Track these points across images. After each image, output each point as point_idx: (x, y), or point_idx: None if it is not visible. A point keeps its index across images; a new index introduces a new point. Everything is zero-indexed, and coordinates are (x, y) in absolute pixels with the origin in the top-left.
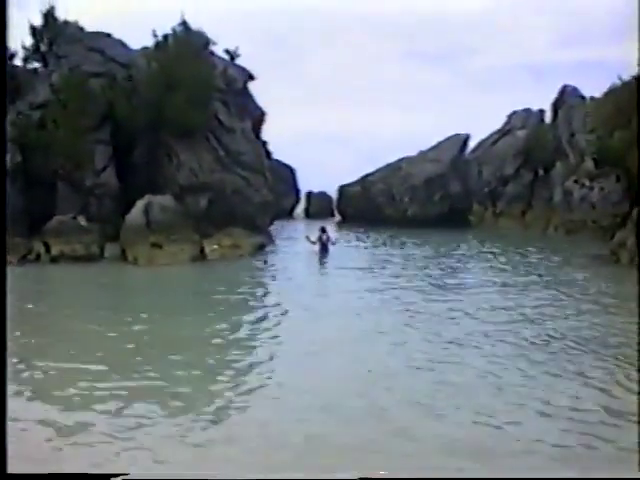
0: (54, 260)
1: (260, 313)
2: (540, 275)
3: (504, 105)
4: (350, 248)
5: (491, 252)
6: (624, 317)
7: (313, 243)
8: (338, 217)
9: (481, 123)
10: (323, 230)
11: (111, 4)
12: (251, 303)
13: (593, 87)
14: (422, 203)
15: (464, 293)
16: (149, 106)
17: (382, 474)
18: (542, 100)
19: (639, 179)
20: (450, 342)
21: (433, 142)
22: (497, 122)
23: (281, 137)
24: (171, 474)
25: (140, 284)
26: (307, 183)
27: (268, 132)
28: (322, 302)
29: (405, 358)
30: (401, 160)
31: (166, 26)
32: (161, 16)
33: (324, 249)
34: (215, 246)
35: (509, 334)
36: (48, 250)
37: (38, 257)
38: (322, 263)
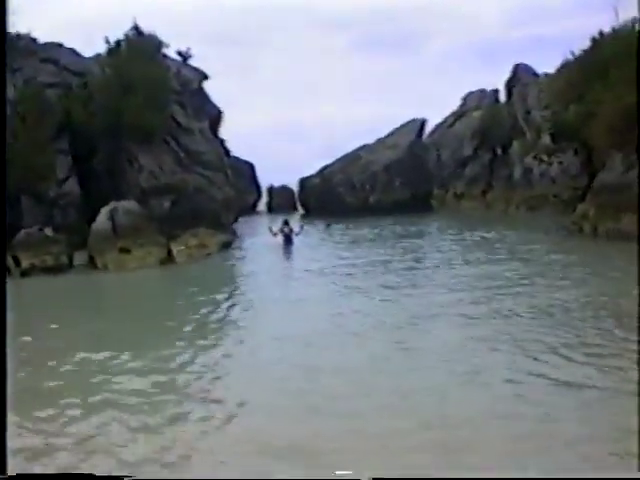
0: (25, 273)
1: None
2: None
3: (459, 88)
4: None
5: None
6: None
7: (275, 235)
8: (301, 210)
9: (437, 107)
10: (286, 223)
11: (63, 14)
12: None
13: (546, 64)
14: (383, 190)
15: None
16: (106, 112)
17: (382, 474)
18: (497, 80)
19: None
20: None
21: (389, 130)
22: (453, 105)
23: (239, 134)
24: (171, 474)
25: (111, 291)
26: (268, 178)
27: (225, 130)
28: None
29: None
30: (360, 149)
31: (119, 32)
32: (114, 22)
33: (288, 241)
34: (182, 247)
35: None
36: (18, 264)
37: (8, 271)
38: (287, 254)
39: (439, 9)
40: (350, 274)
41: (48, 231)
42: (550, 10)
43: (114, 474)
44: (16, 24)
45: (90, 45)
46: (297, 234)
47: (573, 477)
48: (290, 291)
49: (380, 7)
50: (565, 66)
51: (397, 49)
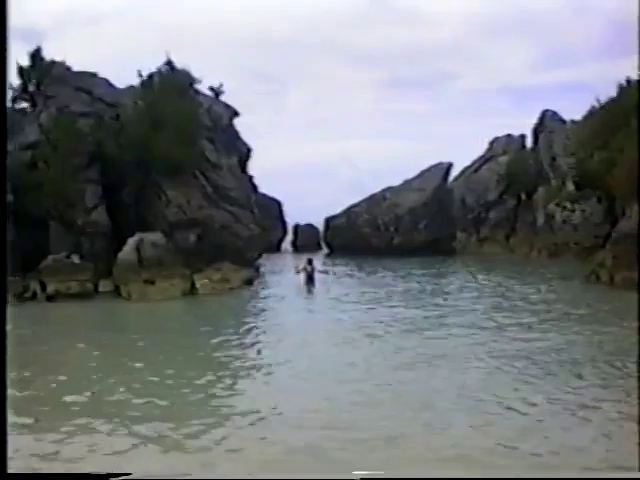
0: (50, 298)
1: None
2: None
3: (485, 129)
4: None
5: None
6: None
7: (298, 272)
8: (325, 249)
9: (463, 149)
10: (309, 262)
11: (97, 44)
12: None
13: (575, 109)
14: (407, 232)
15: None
16: (136, 145)
17: (381, 474)
18: (523, 123)
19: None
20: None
21: (416, 170)
22: (479, 147)
23: (267, 170)
24: (171, 474)
25: (134, 321)
26: (294, 216)
27: (253, 166)
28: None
29: None
30: (385, 190)
31: (152, 65)
32: (147, 55)
33: (310, 279)
34: (205, 280)
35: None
36: (44, 288)
37: (34, 295)
38: (309, 291)
39: (469, 50)
40: None
41: (75, 258)
42: (581, 55)
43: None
44: (51, 51)
45: (123, 76)
46: (326, 272)
47: (573, 477)
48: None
49: (410, 46)
50: (592, 113)
51: (424, 88)
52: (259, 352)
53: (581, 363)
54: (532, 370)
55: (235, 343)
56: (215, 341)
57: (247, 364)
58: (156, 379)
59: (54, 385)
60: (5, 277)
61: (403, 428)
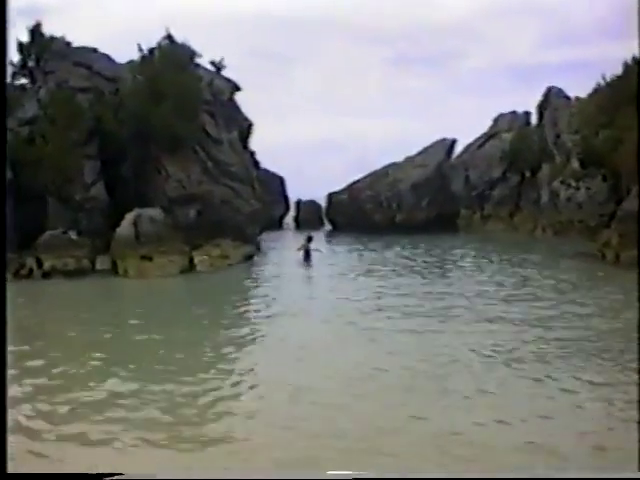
0: (46, 275)
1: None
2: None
3: (491, 108)
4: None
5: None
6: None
7: (299, 250)
8: (328, 225)
9: (468, 126)
10: (309, 239)
11: (98, 19)
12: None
13: (579, 87)
14: (410, 209)
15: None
16: (136, 119)
17: (382, 474)
18: (529, 102)
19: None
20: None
21: (420, 148)
22: (484, 125)
23: (269, 146)
24: (171, 474)
25: (127, 299)
26: (297, 191)
27: (255, 142)
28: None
29: None
30: (388, 166)
31: (152, 39)
32: (148, 29)
33: (307, 256)
34: (204, 257)
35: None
36: (40, 265)
37: (31, 272)
38: (306, 267)
39: (475, 30)
40: None
41: (72, 234)
42: (585, 34)
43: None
44: (51, 26)
45: (125, 53)
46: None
47: (573, 477)
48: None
49: (416, 25)
50: (597, 91)
51: (432, 67)
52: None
53: None
54: None
55: (228, 322)
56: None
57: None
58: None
59: None
60: (4, 276)
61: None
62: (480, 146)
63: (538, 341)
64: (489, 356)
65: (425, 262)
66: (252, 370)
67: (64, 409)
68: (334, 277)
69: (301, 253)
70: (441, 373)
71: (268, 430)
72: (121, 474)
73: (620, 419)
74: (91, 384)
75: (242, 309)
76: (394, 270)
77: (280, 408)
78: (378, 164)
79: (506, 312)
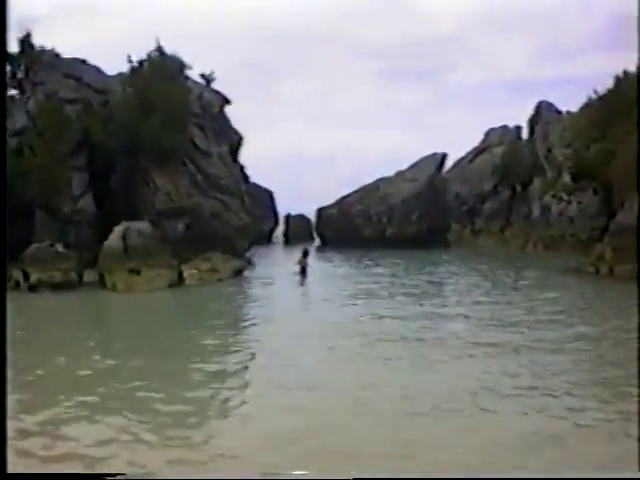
0: (33, 288)
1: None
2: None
3: (482, 122)
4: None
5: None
6: None
7: (297, 264)
8: (317, 240)
9: (460, 140)
10: (305, 254)
11: (88, 31)
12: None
13: (570, 102)
14: (400, 223)
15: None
16: (125, 131)
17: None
18: (519, 116)
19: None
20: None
21: (413, 161)
22: (475, 139)
23: (258, 161)
24: (171, 474)
25: (119, 315)
26: (286, 206)
27: (245, 156)
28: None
29: None
30: (378, 180)
31: (142, 51)
32: (137, 41)
33: (303, 270)
34: (194, 271)
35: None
36: (27, 278)
37: (17, 285)
38: (301, 282)
39: (466, 43)
40: None
41: (59, 247)
42: (576, 49)
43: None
44: (40, 38)
45: (114, 65)
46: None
47: (573, 477)
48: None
49: (409, 38)
50: (588, 105)
51: (424, 80)
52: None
53: None
54: None
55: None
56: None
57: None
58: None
59: None
60: (5, 278)
61: None
62: (471, 160)
63: None
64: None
65: (416, 282)
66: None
67: None
68: (325, 299)
69: (297, 267)
70: None
71: None
72: (122, 474)
73: None
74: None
75: (230, 333)
76: (383, 291)
77: None
78: (369, 178)
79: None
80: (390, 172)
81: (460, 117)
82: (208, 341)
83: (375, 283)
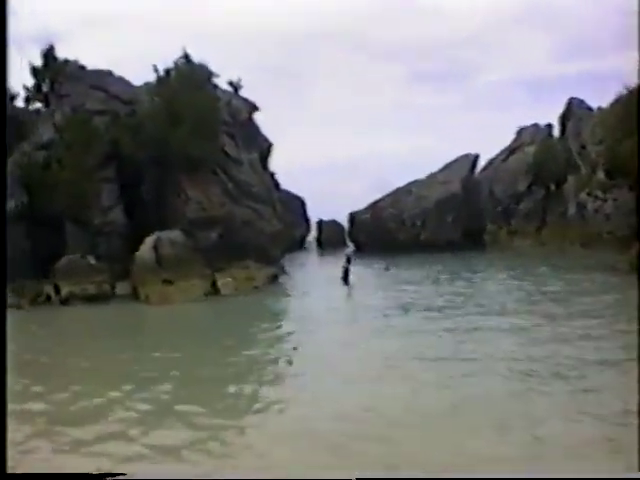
0: (65, 301)
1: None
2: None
3: (509, 122)
4: None
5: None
6: None
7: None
8: (350, 245)
9: (486, 141)
10: (348, 260)
11: (108, 43)
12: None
13: (601, 98)
14: (434, 226)
15: None
16: (154, 141)
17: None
18: (548, 114)
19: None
20: None
21: (441, 163)
22: (502, 139)
23: (288, 167)
24: (170, 474)
25: (158, 326)
26: (317, 212)
27: (275, 163)
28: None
29: None
30: (411, 184)
31: (168, 60)
32: (163, 51)
33: (346, 276)
34: (228, 279)
35: None
36: (58, 291)
37: (49, 299)
38: (346, 285)
39: (491, 42)
40: None
41: (91, 259)
42: (603, 44)
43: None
44: (62, 52)
45: (139, 76)
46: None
47: (573, 477)
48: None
49: (432, 39)
50: (618, 100)
51: (448, 82)
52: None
53: None
54: None
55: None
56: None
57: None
58: None
59: None
60: (5, 281)
61: None
62: (504, 160)
63: None
64: None
65: (459, 290)
66: None
67: None
68: (368, 307)
69: (340, 271)
70: None
71: None
72: (123, 474)
73: None
74: None
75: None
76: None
77: None
78: (398, 182)
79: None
80: (419, 175)
81: (486, 117)
82: (253, 351)
83: (415, 293)
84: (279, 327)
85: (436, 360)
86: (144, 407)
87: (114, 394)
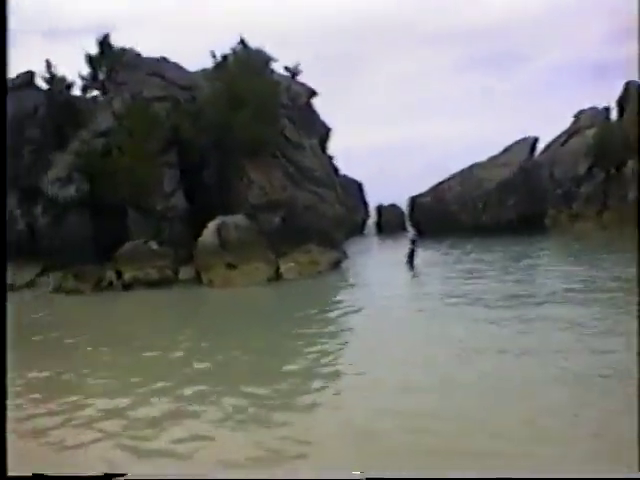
0: (128, 286)
1: None
2: None
3: (570, 104)
4: None
5: None
6: None
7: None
8: (410, 229)
9: (546, 124)
10: (413, 242)
11: (168, 35)
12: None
13: None
14: (496, 209)
15: None
16: (215, 126)
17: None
18: (604, 97)
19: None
20: None
21: (500, 148)
22: (563, 122)
23: (345, 151)
24: (170, 474)
25: (228, 310)
26: (374, 197)
27: (333, 148)
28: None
29: None
30: (472, 166)
31: (225, 48)
32: (220, 42)
33: (411, 259)
34: (291, 264)
35: None
36: (120, 276)
37: (111, 284)
38: (410, 269)
39: (547, 25)
40: None
41: (153, 244)
42: None
43: None
44: (119, 40)
45: (194, 62)
46: None
47: (574, 477)
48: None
49: (487, 24)
50: None
51: (505, 65)
52: None
53: None
54: None
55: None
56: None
57: None
58: None
59: None
60: (5, 278)
61: None
62: (563, 143)
63: None
64: None
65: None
66: None
67: None
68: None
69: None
70: None
71: None
72: (124, 474)
73: None
74: None
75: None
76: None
77: None
78: (454, 166)
79: None
80: (476, 158)
81: (543, 101)
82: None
83: (482, 278)
84: (346, 313)
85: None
86: None
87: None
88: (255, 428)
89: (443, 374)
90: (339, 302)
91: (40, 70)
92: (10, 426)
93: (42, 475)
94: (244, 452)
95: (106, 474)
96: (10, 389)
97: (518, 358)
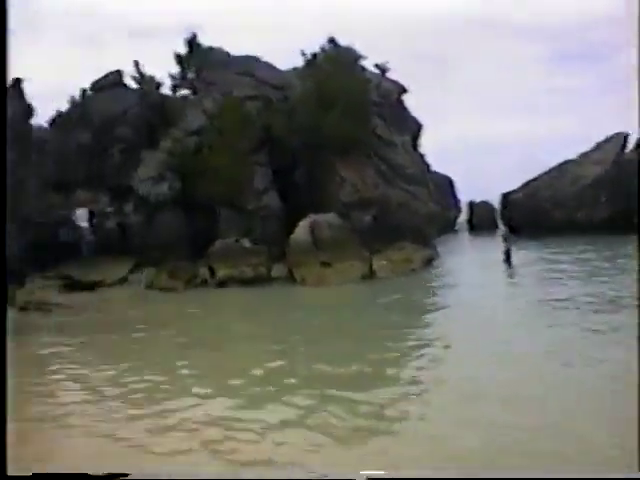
0: (222, 284)
1: None
2: None
3: None
4: None
5: None
6: None
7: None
8: (502, 228)
9: (632, 122)
10: (506, 239)
11: (256, 34)
12: None
13: None
14: (590, 207)
15: None
16: (307, 124)
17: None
18: None
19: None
20: None
21: (590, 144)
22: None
23: (436, 148)
24: (171, 474)
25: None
26: (464, 193)
27: (424, 145)
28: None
29: None
30: (563, 163)
31: (314, 47)
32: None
33: (507, 257)
34: (383, 262)
35: None
36: (213, 274)
37: (205, 282)
38: (508, 268)
39: (629, 22)
40: None
41: (245, 242)
42: None
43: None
44: (206, 40)
45: (283, 61)
46: None
47: (573, 477)
48: None
49: (574, 21)
50: None
51: (589, 60)
52: None
53: None
54: None
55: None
56: None
57: None
58: None
59: None
60: (5, 280)
61: None
62: None
63: None
64: None
65: None
66: None
67: None
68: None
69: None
70: None
71: None
72: (125, 474)
73: None
74: None
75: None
76: None
77: None
78: (543, 163)
79: None
80: (567, 155)
81: (627, 98)
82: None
83: (583, 281)
84: (439, 317)
85: None
86: None
87: None
88: None
89: None
90: (439, 305)
91: (128, 70)
92: None
93: (42, 474)
94: None
95: (109, 474)
96: None
97: None
